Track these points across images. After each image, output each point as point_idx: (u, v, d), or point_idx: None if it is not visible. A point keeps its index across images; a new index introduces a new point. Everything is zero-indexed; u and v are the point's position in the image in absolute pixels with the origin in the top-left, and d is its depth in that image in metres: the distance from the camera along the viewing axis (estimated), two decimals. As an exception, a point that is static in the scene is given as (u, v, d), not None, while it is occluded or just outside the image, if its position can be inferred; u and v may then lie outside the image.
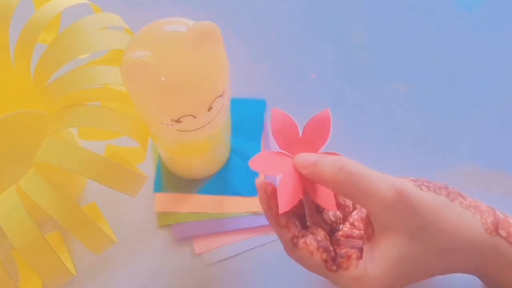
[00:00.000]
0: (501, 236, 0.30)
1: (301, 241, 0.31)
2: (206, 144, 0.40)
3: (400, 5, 0.56)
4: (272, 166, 0.32)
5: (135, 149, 0.40)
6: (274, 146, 0.48)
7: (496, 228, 0.30)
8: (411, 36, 0.55)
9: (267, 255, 0.44)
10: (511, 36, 0.54)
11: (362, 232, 0.34)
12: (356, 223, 0.35)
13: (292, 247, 0.31)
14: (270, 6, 0.56)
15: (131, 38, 0.34)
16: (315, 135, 0.32)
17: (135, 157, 0.41)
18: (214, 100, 0.33)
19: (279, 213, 0.30)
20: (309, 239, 0.31)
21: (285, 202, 0.30)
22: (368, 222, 0.31)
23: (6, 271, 0.32)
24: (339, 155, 0.32)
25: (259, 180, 0.32)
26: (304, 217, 0.35)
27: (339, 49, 0.32)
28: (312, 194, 0.32)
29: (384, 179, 0.29)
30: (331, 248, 0.32)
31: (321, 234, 0.33)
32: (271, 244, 0.44)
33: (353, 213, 0.36)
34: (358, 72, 0.52)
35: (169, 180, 0.46)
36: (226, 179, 0.46)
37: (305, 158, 0.31)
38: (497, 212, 0.32)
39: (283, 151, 0.33)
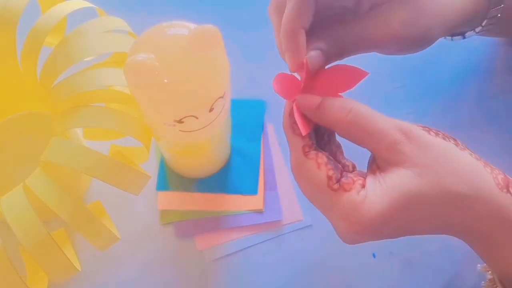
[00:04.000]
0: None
1: (313, 152, 0.30)
2: (207, 144, 0.40)
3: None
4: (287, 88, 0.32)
5: (139, 149, 0.41)
6: (274, 147, 0.49)
7: (507, 185, 0.28)
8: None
9: (267, 252, 0.44)
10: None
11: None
12: (355, 178, 0.32)
13: (302, 156, 0.30)
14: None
15: (135, 41, 0.34)
16: (334, 81, 0.31)
17: (138, 156, 0.42)
18: (215, 101, 0.34)
19: (303, 134, 0.29)
20: (321, 154, 0.30)
21: (305, 126, 0.30)
22: (372, 161, 0.30)
23: (13, 267, 0.32)
24: (342, 97, 0.30)
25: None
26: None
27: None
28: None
29: (392, 122, 0.28)
30: (340, 169, 0.30)
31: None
32: (271, 241, 0.45)
33: (353, 173, 0.33)
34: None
35: (172, 179, 0.47)
36: (226, 178, 0.47)
37: (310, 99, 0.30)
38: (507, 175, 0.29)
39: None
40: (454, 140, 0.29)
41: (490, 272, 0.34)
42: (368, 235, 0.29)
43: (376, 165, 0.30)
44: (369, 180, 0.29)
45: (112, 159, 0.33)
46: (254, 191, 0.46)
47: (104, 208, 0.40)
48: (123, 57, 0.40)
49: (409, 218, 0.28)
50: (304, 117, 0.30)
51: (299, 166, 0.30)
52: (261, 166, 0.47)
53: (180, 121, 0.34)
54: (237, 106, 0.44)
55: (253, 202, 0.46)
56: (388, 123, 0.28)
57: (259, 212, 0.45)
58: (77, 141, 0.44)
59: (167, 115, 0.34)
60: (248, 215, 0.45)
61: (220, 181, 0.47)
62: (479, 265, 0.36)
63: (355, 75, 0.31)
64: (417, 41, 0.34)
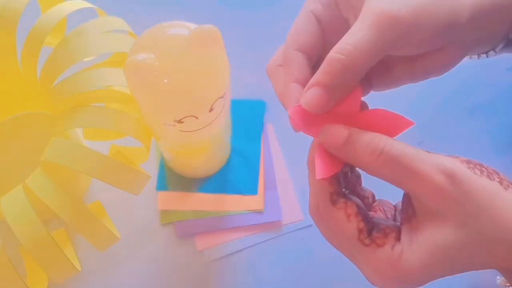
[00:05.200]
0: None
1: (342, 200, 0.27)
2: (207, 144, 0.40)
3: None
4: (312, 123, 0.27)
5: (139, 149, 0.41)
6: (274, 147, 0.49)
7: None
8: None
9: (267, 252, 0.44)
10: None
11: (387, 217, 0.30)
12: (378, 212, 0.31)
13: (328, 204, 0.27)
14: (271, 9, 0.57)
15: (135, 41, 0.34)
16: (373, 128, 0.27)
17: (138, 156, 0.42)
18: (215, 101, 0.34)
19: (316, 178, 0.26)
20: (350, 202, 0.27)
21: (324, 168, 0.26)
22: (408, 202, 0.27)
23: (13, 267, 0.32)
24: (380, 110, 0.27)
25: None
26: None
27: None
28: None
29: (432, 160, 0.25)
30: (371, 220, 0.27)
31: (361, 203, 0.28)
32: (270, 241, 0.45)
33: (374, 204, 0.31)
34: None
35: (172, 179, 0.47)
36: (226, 178, 0.47)
37: (336, 132, 0.26)
38: None
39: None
40: (498, 175, 0.26)
41: (510, 287, 0.33)
42: (406, 286, 0.27)
43: (413, 211, 0.27)
44: (405, 231, 0.27)
45: (112, 159, 0.33)
46: (254, 191, 0.46)
47: (104, 208, 0.40)
48: (123, 57, 0.40)
49: (449, 268, 0.26)
50: (328, 157, 0.27)
51: (324, 214, 0.27)
52: (261, 166, 0.48)
53: (180, 121, 0.34)
54: (237, 106, 0.44)
55: (253, 202, 0.46)
56: (428, 164, 0.25)
57: (259, 212, 0.45)
58: (77, 141, 0.44)
59: (167, 115, 0.34)
60: (248, 215, 0.45)
61: (220, 181, 0.47)
62: (498, 277, 0.35)
63: (398, 124, 0.27)
64: (440, 25, 0.27)
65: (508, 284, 0.34)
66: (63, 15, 0.38)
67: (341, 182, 0.28)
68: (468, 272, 0.27)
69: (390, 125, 0.27)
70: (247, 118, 0.49)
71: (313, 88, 0.26)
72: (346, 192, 0.28)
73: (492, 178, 0.26)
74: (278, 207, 0.46)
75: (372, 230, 0.27)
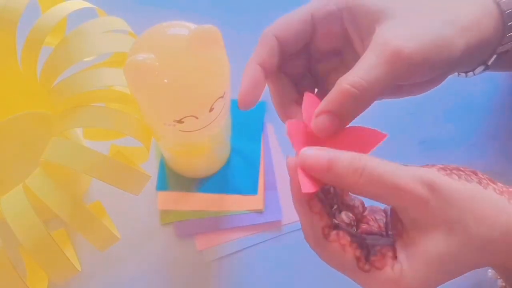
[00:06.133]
0: None
1: (333, 232, 0.27)
2: (207, 144, 0.40)
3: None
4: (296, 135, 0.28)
5: (139, 149, 0.41)
6: (274, 147, 0.49)
7: None
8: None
9: (267, 252, 0.44)
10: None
11: (380, 227, 0.31)
12: (370, 223, 0.31)
13: (321, 239, 0.27)
14: (271, 10, 0.57)
15: (135, 41, 0.34)
16: (348, 144, 0.28)
17: (138, 156, 0.42)
18: (215, 101, 0.34)
19: (302, 191, 0.26)
20: (342, 232, 0.27)
21: (309, 183, 0.26)
22: (396, 218, 0.28)
23: (14, 268, 0.32)
24: (364, 128, 0.28)
25: (291, 158, 0.28)
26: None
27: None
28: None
29: (411, 172, 0.26)
30: (365, 243, 0.28)
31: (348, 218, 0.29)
32: (270, 241, 0.45)
33: (365, 213, 0.32)
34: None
35: (172, 179, 0.47)
36: (226, 178, 0.47)
37: (316, 157, 0.27)
38: None
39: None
40: (476, 175, 0.27)
41: (501, 280, 0.34)
42: None
43: (402, 225, 0.28)
44: (399, 248, 0.27)
45: (112, 159, 0.33)
46: (254, 191, 0.46)
47: (104, 208, 0.40)
48: (123, 57, 0.40)
49: (448, 274, 0.27)
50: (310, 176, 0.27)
51: (319, 248, 0.28)
52: (261, 166, 0.48)
53: (180, 121, 0.34)
54: (237, 106, 0.44)
55: (253, 202, 0.46)
56: (408, 178, 0.26)
57: (259, 212, 0.45)
58: (77, 141, 0.44)
59: (167, 115, 0.34)
60: (248, 215, 0.45)
61: (220, 181, 0.47)
62: (489, 270, 0.35)
63: (373, 137, 0.28)
64: (441, 62, 0.29)
65: (499, 277, 0.34)
66: (63, 15, 0.38)
67: (331, 214, 0.28)
68: (466, 273, 0.27)
69: (366, 139, 0.28)
70: (247, 118, 0.49)
71: (325, 115, 0.28)
72: (337, 222, 0.29)
73: (471, 180, 0.27)
74: (278, 207, 0.46)
75: (369, 255, 0.27)
